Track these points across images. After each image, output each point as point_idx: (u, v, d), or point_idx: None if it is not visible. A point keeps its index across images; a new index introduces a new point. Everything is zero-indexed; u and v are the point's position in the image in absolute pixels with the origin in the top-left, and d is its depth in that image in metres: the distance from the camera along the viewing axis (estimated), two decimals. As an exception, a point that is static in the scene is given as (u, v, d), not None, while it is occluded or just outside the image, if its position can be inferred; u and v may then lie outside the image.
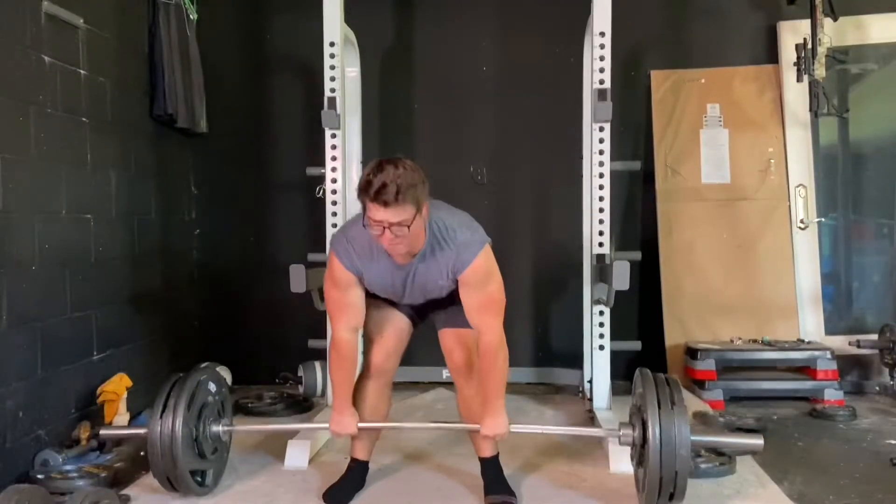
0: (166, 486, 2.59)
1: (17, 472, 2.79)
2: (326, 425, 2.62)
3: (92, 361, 3.34)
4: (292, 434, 3.15)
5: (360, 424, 2.57)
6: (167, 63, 3.95)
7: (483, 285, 2.39)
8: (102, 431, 2.86)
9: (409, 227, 2.21)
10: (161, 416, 2.52)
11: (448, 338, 2.60)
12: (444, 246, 2.36)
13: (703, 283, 4.34)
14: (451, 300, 2.51)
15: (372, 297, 2.59)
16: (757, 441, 2.51)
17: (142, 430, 2.57)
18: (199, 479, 2.64)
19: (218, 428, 2.71)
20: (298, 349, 3.88)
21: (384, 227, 2.20)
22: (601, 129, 3.43)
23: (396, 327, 2.65)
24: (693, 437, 2.35)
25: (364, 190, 2.17)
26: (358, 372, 2.68)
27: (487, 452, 2.66)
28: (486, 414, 2.48)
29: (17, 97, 2.88)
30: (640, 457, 2.47)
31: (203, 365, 4.04)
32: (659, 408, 2.34)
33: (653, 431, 2.31)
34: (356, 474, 2.73)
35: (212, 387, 2.73)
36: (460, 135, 4.53)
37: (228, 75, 4.57)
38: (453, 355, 2.58)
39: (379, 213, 2.17)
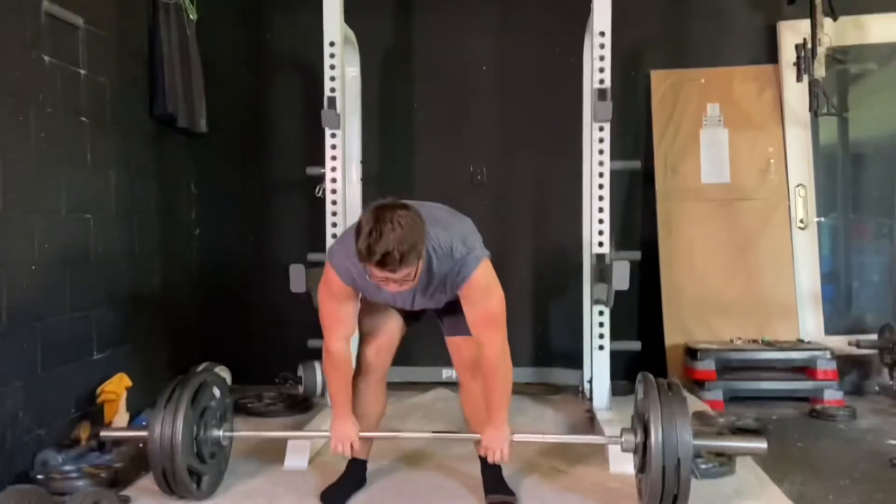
0: (164, 487, 2.59)
1: (17, 472, 2.79)
2: (328, 433, 2.60)
3: (92, 361, 3.34)
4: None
5: (361, 434, 2.57)
6: (167, 63, 3.95)
7: (482, 300, 2.37)
8: (103, 433, 2.85)
9: (412, 279, 2.21)
10: (163, 416, 2.52)
11: (455, 340, 2.61)
12: (443, 264, 2.33)
13: (703, 283, 4.34)
14: (455, 306, 2.51)
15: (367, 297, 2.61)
16: (760, 444, 2.48)
17: (142, 433, 2.57)
18: (196, 483, 2.63)
19: (219, 432, 2.71)
20: (298, 349, 3.88)
21: (388, 282, 2.19)
22: (601, 129, 3.43)
23: (389, 325, 2.66)
24: (695, 442, 2.35)
25: (365, 257, 2.12)
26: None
27: (487, 452, 2.66)
28: (487, 426, 2.50)
29: (17, 97, 2.88)
30: (642, 463, 2.46)
31: (203, 365, 4.07)
32: (661, 413, 2.34)
33: (655, 437, 2.30)
34: (354, 474, 2.73)
35: (215, 391, 2.74)
36: (460, 135, 4.53)
37: (228, 75, 4.57)
38: (461, 350, 2.58)
39: (382, 274, 2.15)
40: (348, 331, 2.52)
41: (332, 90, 3.51)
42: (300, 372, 4.06)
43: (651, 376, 2.52)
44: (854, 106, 4.37)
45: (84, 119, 3.34)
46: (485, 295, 2.37)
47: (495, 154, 4.50)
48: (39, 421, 2.95)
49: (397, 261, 2.09)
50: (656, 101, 4.46)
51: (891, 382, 3.96)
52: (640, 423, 2.46)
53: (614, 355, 3.51)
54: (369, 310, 2.64)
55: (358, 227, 2.15)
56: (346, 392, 2.56)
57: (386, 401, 2.75)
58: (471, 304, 2.38)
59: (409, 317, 2.69)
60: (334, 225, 3.53)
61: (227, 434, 2.76)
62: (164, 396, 2.58)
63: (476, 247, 2.38)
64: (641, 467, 2.47)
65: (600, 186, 3.45)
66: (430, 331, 2.75)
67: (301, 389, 4.06)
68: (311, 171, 3.75)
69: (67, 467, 2.85)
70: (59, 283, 3.12)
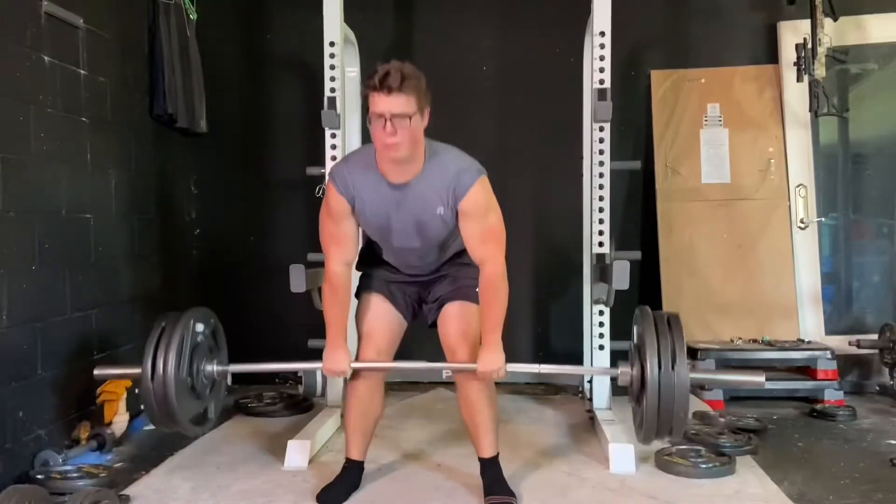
0: (159, 422, 2.61)
1: (17, 472, 2.79)
2: (320, 364, 2.60)
3: (92, 361, 3.34)
4: (292, 433, 3.16)
5: (354, 364, 2.57)
6: (167, 63, 3.95)
7: (483, 215, 2.43)
8: (96, 371, 2.80)
9: (410, 119, 2.24)
10: (153, 358, 2.53)
11: (450, 334, 2.59)
12: (443, 168, 2.40)
13: (703, 283, 4.34)
14: (451, 281, 2.53)
15: (366, 293, 2.61)
16: (759, 378, 2.50)
17: (136, 370, 2.58)
18: (191, 419, 2.67)
19: (212, 367, 2.73)
20: (298, 349, 3.88)
21: (385, 120, 2.22)
22: (601, 129, 3.43)
23: (389, 326, 2.66)
24: (693, 375, 2.35)
25: (369, 77, 2.25)
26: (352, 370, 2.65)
27: (487, 453, 2.64)
28: (482, 350, 2.48)
29: (17, 97, 2.88)
30: (639, 395, 2.45)
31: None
32: (658, 346, 2.34)
33: (651, 369, 2.30)
34: (351, 474, 2.71)
35: (200, 326, 2.75)
36: (460, 134, 4.48)
37: (228, 75, 4.58)
38: (456, 355, 2.57)
39: (382, 101, 2.23)
40: (347, 255, 2.54)
41: (332, 90, 3.51)
42: (300, 372, 4.06)
43: (649, 309, 2.52)
44: (854, 106, 4.36)
45: (84, 119, 3.34)
46: (484, 210, 2.43)
47: (495, 154, 4.47)
48: (39, 421, 2.95)
49: (399, 80, 2.22)
50: (656, 101, 4.46)
51: (891, 382, 3.96)
52: (637, 356, 2.44)
53: (614, 355, 3.51)
54: (368, 310, 2.64)
55: None
56: (342, 319, 2.56)
57: (384, 402, 2.75)
58: (471, 219, 2.43)
59: (411, 301, 2.68)
60: (334, 225, 3.53)
61: (221, 368, 2.78)
62: (155, 334, 2.58)
63: (475, 161, 2.47)
64: (638, 399, 2.46)
65: (600, 186, 3.45)
66: (429, 330, 2.74)
67: (301, 389, 4.06)
68: (311, 171, 3.75)
69: (67, 467, 2.86)
70: (59, 283, 3.12)
